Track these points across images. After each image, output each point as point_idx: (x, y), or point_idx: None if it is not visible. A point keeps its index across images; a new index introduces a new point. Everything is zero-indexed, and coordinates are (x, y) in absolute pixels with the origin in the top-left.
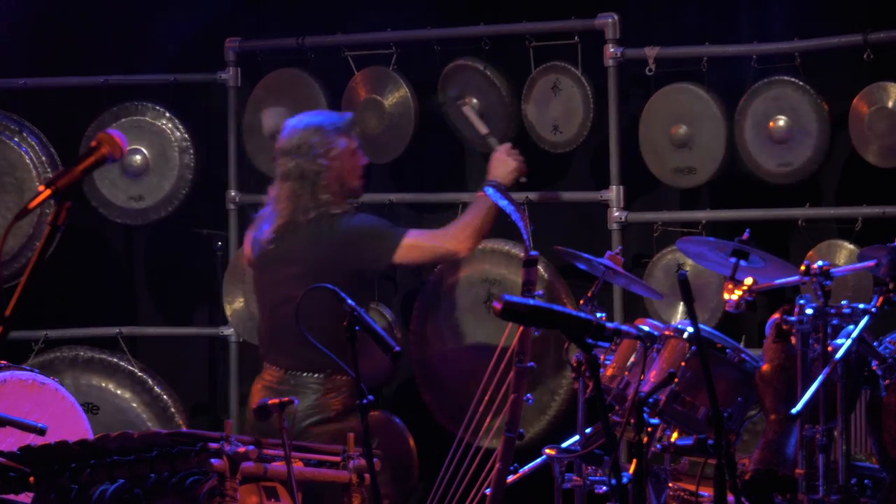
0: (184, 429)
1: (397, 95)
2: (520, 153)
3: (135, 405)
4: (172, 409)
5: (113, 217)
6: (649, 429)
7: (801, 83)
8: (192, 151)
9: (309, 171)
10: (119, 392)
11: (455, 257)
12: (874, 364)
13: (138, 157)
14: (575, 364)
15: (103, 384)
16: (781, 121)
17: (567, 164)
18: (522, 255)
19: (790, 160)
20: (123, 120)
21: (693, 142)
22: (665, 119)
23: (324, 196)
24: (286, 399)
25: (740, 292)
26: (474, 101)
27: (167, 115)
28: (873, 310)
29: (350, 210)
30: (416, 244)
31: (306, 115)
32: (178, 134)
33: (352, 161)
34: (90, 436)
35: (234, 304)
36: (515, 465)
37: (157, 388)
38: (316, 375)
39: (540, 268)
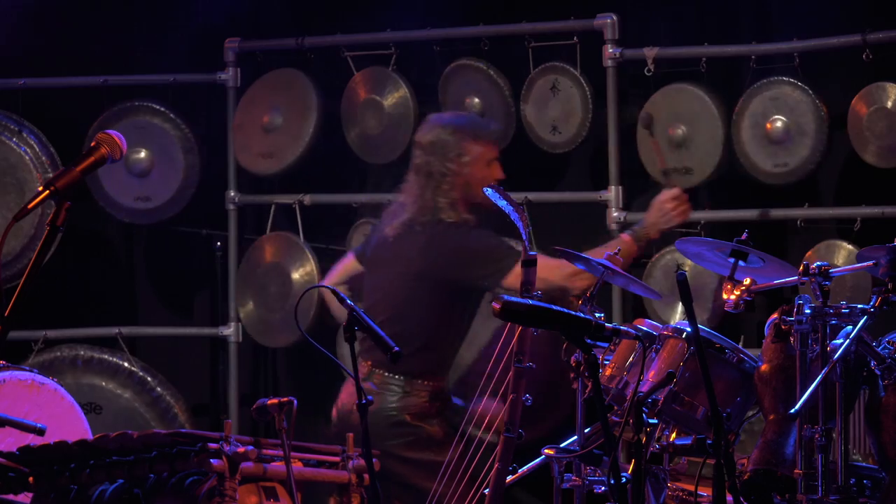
0: (184, 429)
1: (397, 96)
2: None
3: (137, 405)
4: (175, 410)
5: (120, 216)
6: (648, 429)
7: (798, 83)
8: (196, 151)
9: (436, 171)
10: (120, 392)
11: (563, 293)
12: (873, 364)
13: (143, 157)
14: (574, 364)
15: (104, 384)
16: (779, 121)
17: (566, 165)
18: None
19: (786, 160)
20: (125, 120)
21: (690, 142)
22: (663, 120)
23: (444, 200)
24: (285, 399)
25: (739, 292)
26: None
27: (170, 115)
28: (872, 310)
29: (468, 222)
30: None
31: (452, 114)
32: (181, 134)
33: (483, 171)
34: (89, 436)
35: (247, 307)
36: (514, 465)
37: (158, 389)
38: (398, 377)
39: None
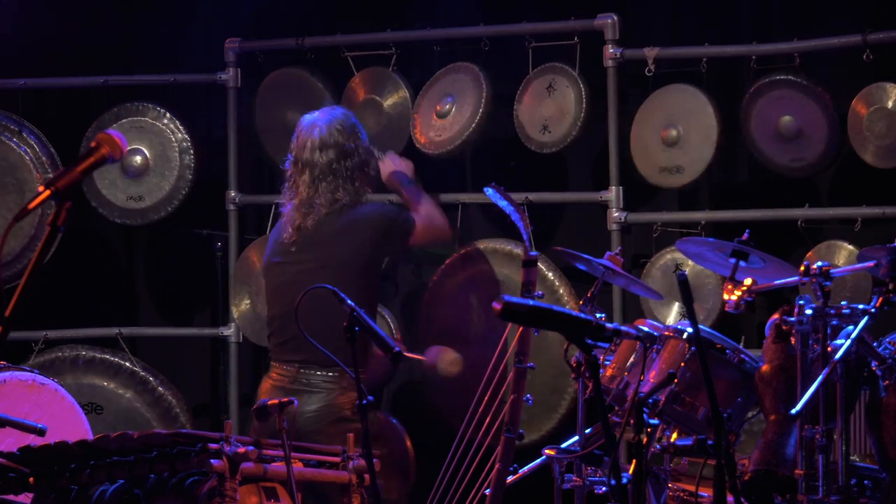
0: (185, 429)
1: (396, 96)
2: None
3: (138, 405)
4: (177, 409)
5: (113, 217)
6: (649, 429)
7: (805, 82)
8: (192, 152)
9: (341, 165)
10: (121, 392)
11: (449, 234)
12: (874, 364)
13: (138, 158)
14: (574, 365)
15: (105, 384)
16: (788, 118)
17: (567, 165)
18: (522, 255)
19: (803, 155)
20: (124, 120)
21: (683, 142)
22: (659, 119)
23: (350, 186)
24: (285, 399)
25: (739, 293)
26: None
27: (167, 115)
28: (873, 310)
29: (364, 201)
30: (424, 225)
31: (325, 110)
32: (179, 135)
33: (369, 151)
34: (90, 436)
35: (241, 307)
36: (515, 465)
37: (160, 389)
38: (330, 374)
39: (542, 266)
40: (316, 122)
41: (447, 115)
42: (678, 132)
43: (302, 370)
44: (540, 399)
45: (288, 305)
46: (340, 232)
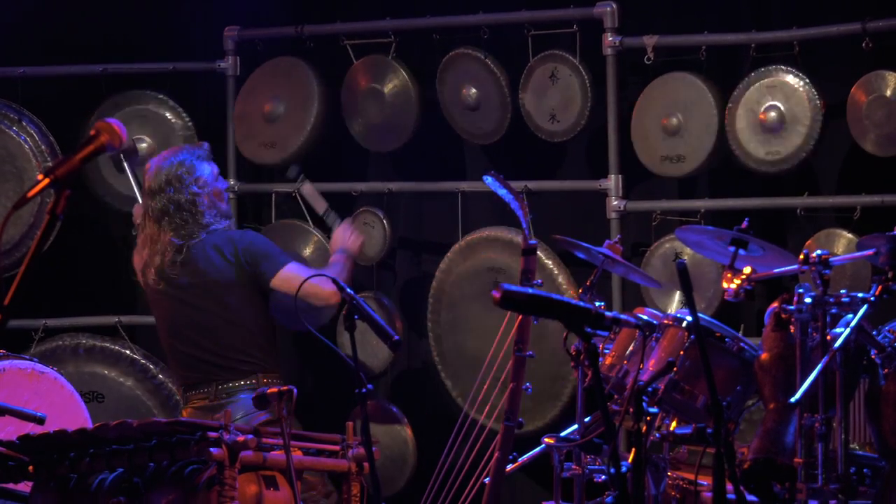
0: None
1: (397, 84)
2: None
3: (139, 393)
4: (177, 397)
5: (118, 205)
6: (648, 417)
7: (793, 70)
8: (195, 140)
9: (185, 201)
10: (122, 380)
11: (327, 302)
12: (873, 353)
13: (143, 146)
14: (574, 353)
15: (106, 372)
16: (773, 111)
17: (565, 153)
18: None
19: (779, 149)
20: (127, 108)
21: (684, 130)
22: (659, 108)
23: (202, 221)
24: (285, 388)
25: (739, 281)
26: (307, 183)
27: (170, 103)
28: (872, 298)
29: (231, 227)
30: (291, 276)
31: (166, 153)
32: (181, 122)
33: (217, 185)
34: (89, 425)
35: None
36: (514, 454)
37: (160, 376)
38: (247, 382)
39: (541, 254)
40: (149, 170)
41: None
42: (679, 121)
43: (220, 386)
44: (542, 387)
45: (189, 335)
46: (198, 260)
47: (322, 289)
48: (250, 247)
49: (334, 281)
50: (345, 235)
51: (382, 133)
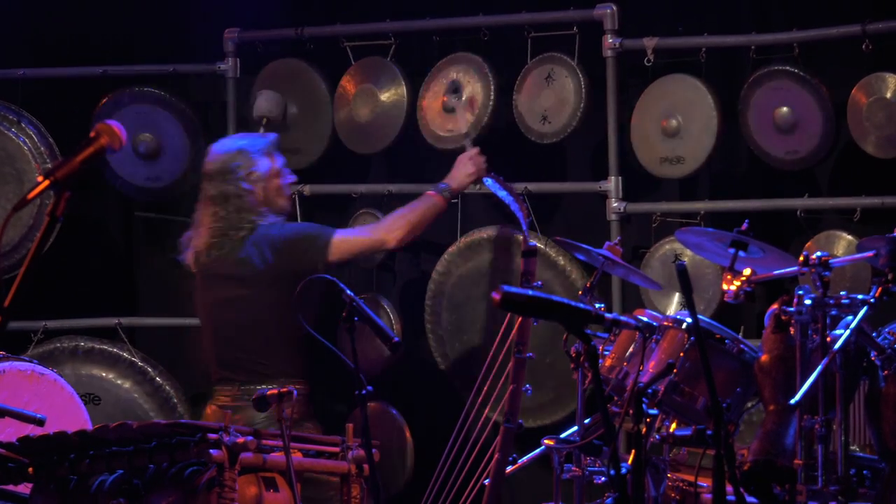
0: (184, 419)
1: (392, 85)
2: (481, 153)
3: (136, 395)
4: (175, 400)
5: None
6: (648, 419)
7: (801, 73)
8: (200, 135)
9: (233, 193)
10: (120, 382)
11: (383, 247)
12: (873, 355)
13: (149, 139)
14: (574, 355)
15: (104, 374)
16: (785, 109)
17: (566, 155)
18: (521, 245)
19: (797, 148)
20: (124, 109)
21: (684, 132)
22: (658, 110)
23: (250, 217)
24: (285, 389)
25: (739, 283)
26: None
27: (171, 102)
28: (872, 300)
29: (277, 222)
30: (344, 239)
31: (230, 139)
32: (182, 122)
33: (275, 182)
34: (89, 426)
35: None
36: (514, 455)
37: (158, 379)
38: (269, 386)
39: (551, 252)
40: (209, 151)
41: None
42: (678, 122)
43: (242, 387)
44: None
45: (220, 328)
46: (237, 255)
47: (371, 240)
48: (291, 236)
49: (335, 282)
50: (464, 162)
51: (374, 133)
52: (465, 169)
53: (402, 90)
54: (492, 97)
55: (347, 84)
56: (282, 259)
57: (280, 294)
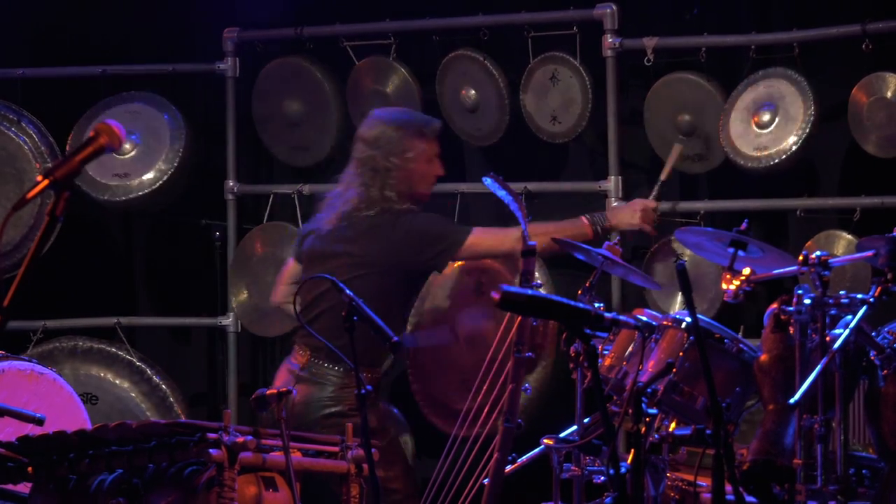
0: (182, 419)
1: (399, 85)
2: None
3: (134, 395)
4: (171, 399)
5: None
6: (647, 419)
7: (789, 72)
8: (191, 139)
9: (381, 165)
10: (118, 382)
11: (514, 255)
12: (872, 354)
13: (130, 145)
14: (573, 354)
15: (102, 374)
16: (766, 114)
17: (565, 155)
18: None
19: (766, 144)
20: (117, 107)
21: (699, 130)
22: (670, 108)
23: (389, 194)
24: (284, 389)
25: (738, 282)
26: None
27: (165, 102)
28: (871, 300)
29: (414, 209)
30: (477, 242)
31: (395, 110)
32: (175, 122)
33: (425, 167)
34: (88, 426)
35: (240, 297)
36: (514, 454)
37: (155, 378)
38: (336, 368)
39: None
40: (370, 117)
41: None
42: (691, 120)
43: (313, 359)
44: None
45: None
46: (370, 231)
47: (503, 240)
48: (419, 229)
49: (335, 281)
50: (633, 211)
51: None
52: (631, 214)
53: (413, 88)
54: (505, 97)
55: (360, 84)
56: (401, 252)
57: (378, 282)
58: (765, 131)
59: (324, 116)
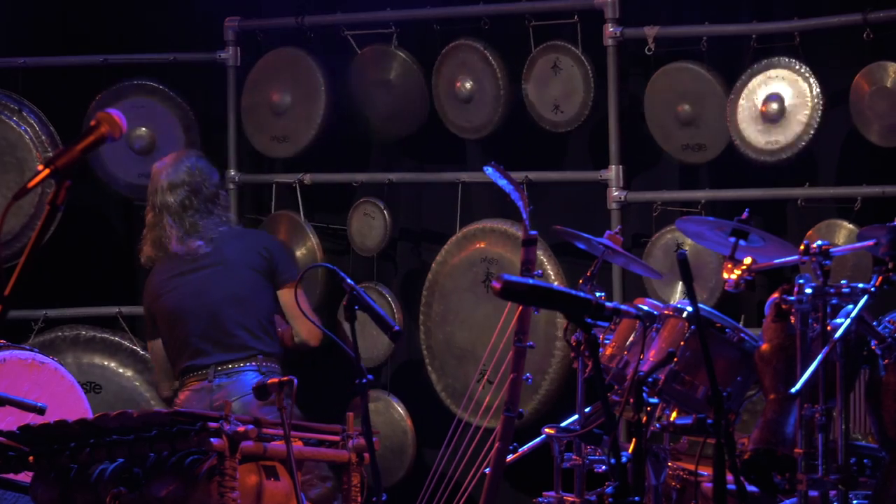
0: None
1: (403, 73)
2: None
3: (138, 384)
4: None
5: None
6: (648, 408)
7: (791, 61)
8: (196, 130)
9: (208, 192)
10: (122, 371)
11: (305, 346)
12: (873, 343)
13: (144, 134)
14: (574, 344)
15: (106, 363)
16: (774, 102)
17: (566, 144)
18: (521, 234)
19: (778, 138)
20: (124, 100)
21: (699, 120)
22: (670, 97)
23: (223, 212)
24: (286, 378)
25: (739, 272)
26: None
27: (169, 93)
28: (872, 289)
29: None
30: (293, 297)
31: (171, 157)
32: (181, 112)
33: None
34: (89, 415)
35: None
36: (515, 444)
37: None
38: (274, 364)
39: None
40: (163, 167)
41: None
42: (691, 109)
43: (218, 368)
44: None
45: (201, 309)
46: (229, 241)
47: (313, 333)
48: (273, 244)
49: (336, 270)
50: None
51: (394, 120)
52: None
53: (418, 76)
54: (501, 88)
55: (363, 72)
56: (262, 257)
57: (262, 276)
58: (774, 124)
59: (310, 107)
